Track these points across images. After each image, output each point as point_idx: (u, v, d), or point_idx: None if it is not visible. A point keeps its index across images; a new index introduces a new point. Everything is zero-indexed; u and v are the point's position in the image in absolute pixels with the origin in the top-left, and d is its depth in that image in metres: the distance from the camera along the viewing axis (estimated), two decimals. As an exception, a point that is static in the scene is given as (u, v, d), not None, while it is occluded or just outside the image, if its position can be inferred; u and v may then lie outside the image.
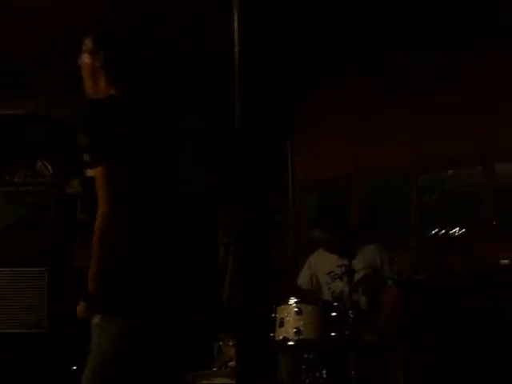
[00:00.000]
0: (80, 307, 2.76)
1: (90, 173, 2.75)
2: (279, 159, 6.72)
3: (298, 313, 4.14)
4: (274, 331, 4.19)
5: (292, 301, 4.19)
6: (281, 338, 4.14)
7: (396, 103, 5.81)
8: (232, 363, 4.30)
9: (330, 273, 4.67)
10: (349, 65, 5.87)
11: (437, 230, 2.88)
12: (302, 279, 4.93)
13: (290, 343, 4.11)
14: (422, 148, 5.68)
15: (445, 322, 4.77)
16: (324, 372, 4.21)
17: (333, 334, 4.15)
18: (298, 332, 4.09)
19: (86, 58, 3.01)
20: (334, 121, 6.29)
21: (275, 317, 4.21)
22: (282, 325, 4.16)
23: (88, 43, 3.01)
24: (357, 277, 4.37)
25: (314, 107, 6.43)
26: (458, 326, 4.45)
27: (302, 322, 4.12)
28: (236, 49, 2.42)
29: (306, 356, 4.25)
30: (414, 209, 5.86)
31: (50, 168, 5.20)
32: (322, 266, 4.83)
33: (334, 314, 4.20)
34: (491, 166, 5.41)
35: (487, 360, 4.43)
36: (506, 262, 4.23)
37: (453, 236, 3.70)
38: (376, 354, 4.45)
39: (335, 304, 4.27)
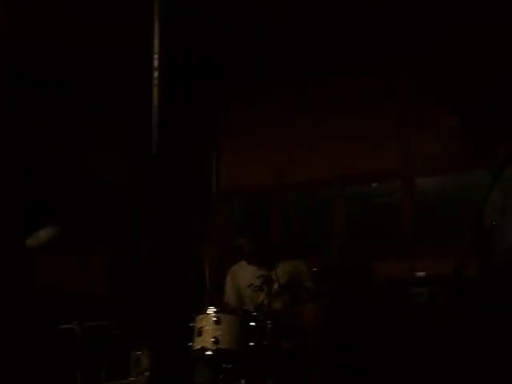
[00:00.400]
0: None
1: None
2: (204, 167, 6.73)
3: (217, 322, 4.13)
4: (192, 340, 4.18)
5: (211, 310, 4.18)
6: (199, 347, 4.13)
7: (320, 117, 5.87)
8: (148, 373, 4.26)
9: (250, 285, 4.69)
10: (275, 77, 5.92)
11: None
12: (229, 296, 4.93)
13: (208, 353, 4.11)
14: (345, 161, 5.75)
15: (366, 332, 4.84)
16: (242, 382, 4.21)
17: (251, 343, 4.17)
18: (217, 341, 4.09)
19: None
20: (260, 131, 6.32)
21: (194, 326, 4.21)
22: (200, 334, 4.15)
23: None
24: (276, 286, 4.40)
25: (240, 117, 6.45)
26: (378, 336, 4.53)
27: (220, 332, 4.11)
28: (155, 56, 2.40)
29: (224, 365, 4.25)
30: (336, 221, 5.93)
31: None
32: (243, 278, 4.84)
33: (252, 323, 4.22)
34: (412, 180, 5.52)
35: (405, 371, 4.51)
36: (421, 274, 4.32)
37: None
38: (295, 363, 4.50)
39: (254, 314, 4.29)
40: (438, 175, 5.48)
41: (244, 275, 4.83)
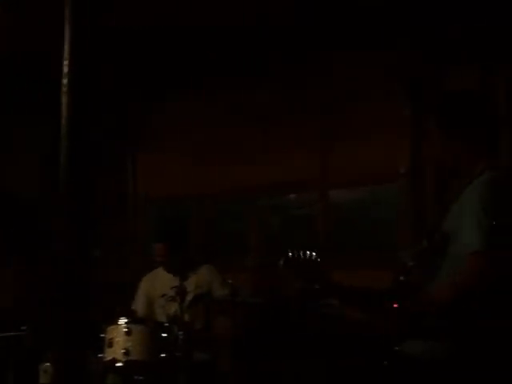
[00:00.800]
0: None
1: None
2: (122, 173, 6.64)
3: (128, 333, 4.08)
4: (103, 352, 4.11)
5: (122, 321, 4.12)
6: (109, 358, 4.07)
7: (240, 126, 5.88)
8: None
9: (163, 295, 4.66)
10: (199, 81, 5.90)
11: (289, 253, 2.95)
12: (138, 305, 4.87)
13: (119, 364, 4.05)
14: (262, 172, 5.77)
15: (277, 345, 4.87)
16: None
17: (163, 355, 4.13)
18: (127, 353, 4.03)
19: None
20: (179, 138, 6.28)
21: (104, 337, 4.14)
22: (110, 345, 4.09)
23: None
24: (189, 297, 4.38)
25: (159, 122, 6.40)
26: (291, 345, 4.55)
27: (131, 343, 4.06)
28: (65, 63, 2.35)
29: (135, 377, 4.20)
30: (253, 231, 5.95)
31: None
32: (155, 288, 4.81)
33: (164, 334, 4.18)
34: (326, 192, 5.59)
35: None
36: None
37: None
38: (208, 374, 4.48)
39: (166, 324, 4.26)
40: (353, 187, 5.56)
41: (158, 284, 4.79)
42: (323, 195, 5.60)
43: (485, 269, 2.43)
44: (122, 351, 4.03)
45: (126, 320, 4.13)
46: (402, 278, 2.70)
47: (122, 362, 4.03)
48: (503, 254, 2.45)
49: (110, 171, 6.50)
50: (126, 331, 4.08)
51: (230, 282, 4.58)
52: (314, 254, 2.86)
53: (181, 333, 4.10)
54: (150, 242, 4.93)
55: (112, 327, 4.14)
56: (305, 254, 2.89)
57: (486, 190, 2.55)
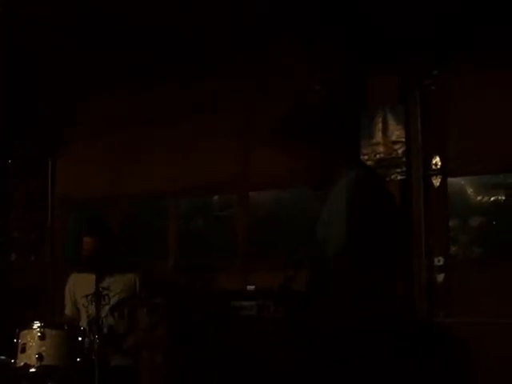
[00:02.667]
0: None
1: None
2: (40, 176, 6.52)
3: (42, 338, 3.97)
4: (15, 357, 4.00)
5: (35, 325, 4.02)
6: (22, 364, 3.96)
7: (159, 126, 5.84)
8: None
9: (87, 296, 4.58)
10: (113, 84, 5.84)
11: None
12: (66, 303, 4.81)
13: (32, 370, 3.94)
14: (181, 173, 5.75)
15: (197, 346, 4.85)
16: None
17: (78, 359, 4.05)
18: (41, 358, 3.93)
19: None
20: (96, 141, 6.20)
21: (18, 342, 4.02)
22: (23, 350, 3.99)
23: None
24: (113, 300, 4.32)
25: (76, 125, 6.31)
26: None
27: (44, 348, 3.96)
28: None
29: (49, 383, 4.09)
30: (172, 233, 5.91)
31: None
32: (80, 288, 4.73)
33: (80, 338, 4.09)
34: (246, 194, 5.60)
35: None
36: (252, 287, 4.38)
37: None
38: (125, 379, 4.42)
39: (82, 328, 4.18)
40: (274, 189, 5.58)
41: (82, 284, 4.70)
42: (243, 196, 5.60)
43: (348, 267, 2.50)
44: (36, 356, 3.93)
45: (39, 324, 4.02)
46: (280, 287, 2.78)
47: (36, 368, 3.93)
48: (365, 255, 2.51)
49: (28, 175, 6.40)
50: (39, 336, 3.98)
51: (151, 283, 4.55)
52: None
53: (96, 336, 4.02)
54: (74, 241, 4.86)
55: (25, 332, 4.03)
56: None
57: (346, 192, 2.60)
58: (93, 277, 4.57)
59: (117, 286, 4.55)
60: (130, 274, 4.69)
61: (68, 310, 4.77)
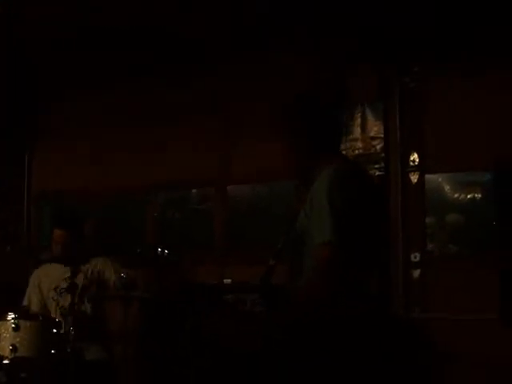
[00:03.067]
0: None
1: None
2: (16, 169, 6.47)
3: (16, 329, 3.93)
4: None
5: (10, 316, 3.98)
6: (-5, 355, 3.92)
7: (140, 124, 5.82)
8: None
9: (56, 288, 4.54)
10: (97, 81, 5.81)
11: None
12: (31, 299, 4.72)
13: (5, 361, 3.90)
14: (160, 167, 5.73)
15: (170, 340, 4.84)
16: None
17: (53, 351, 4.02)
18: (14, 349, 3.89)
19: None
20: (74, 134, 6.17)
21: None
22: (-3, 342, 3.94)
23: None
24: (82, 291, 4.29)
25: (54, 120, 6.27)
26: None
27: (19, 339, 3.92)
28: None
29: (22, 375, 4.05)
30: (150, 226, 5.89)
31: None
32: (47, 280, 4.68)
33: (55, 330, 4.06)
34: (224, 188, 5.59)
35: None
36: (228, 281, 4.36)
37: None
38: (100, 371, 4.39)
39: (58, 320, 4.14)
40: (252, 183, 5.58)
41: (50, 276, 4.65)
42: (221, 190, 5.60)
43: (330, 258, 2.48)
44: (9, 347, 3.89)
45: (13, 315, 3.98)
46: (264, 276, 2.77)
47: (9, 359, 3.89)
48: (348, 244, 2.51)
49: (4, 167, 6.35)
50: (13, 327, 3.94)
51: (123, 275, 4.50)
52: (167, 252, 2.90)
53: (72, 328, 3.99)
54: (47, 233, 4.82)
55: (-1, 323, 3.99)
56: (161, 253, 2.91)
57: (328, 184, 2.60)
58: (58, 268, 4.54)
59: (83, 275, 4.51)
60: (99, 262, 4.64)
61: (34, 306, 4.68)
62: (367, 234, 2.60)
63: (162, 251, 3.27)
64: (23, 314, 4.14)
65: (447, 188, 5.04)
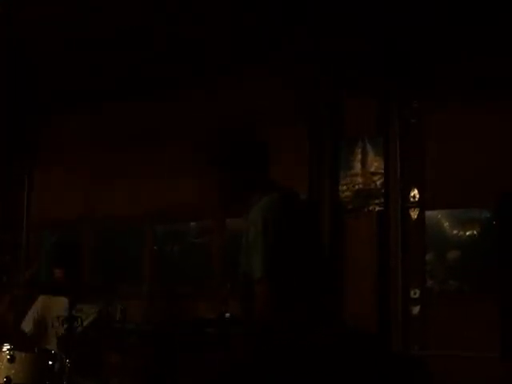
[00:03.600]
0: None
1: None
2: (16, 195, 6.47)
3: (11, 360, 3.89)
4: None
5: (5, 347, 3.93)
6: (-11, 387, 3.87)
7: (135, 150, 5.85)
8: None
9: (58, 317, 4.51)
10: (89, 107, 5.84)
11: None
12: (27, 323, 4.72)
13: (0, 393, 3.86)
14: (157, 198, 5.72)
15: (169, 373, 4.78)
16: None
17: (48, 383, 3.97)
18: (9, 381, 3.84)
19: None
20: (72, 164, 6.18)
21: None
22: (-9, 373, 3.90)
23: None
24: (86, 323, 4.26)
25: (55, 143, 6.29)
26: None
27: (13, 371, 3.87)
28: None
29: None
30: (148, 258, 5.86)
31: None
32: (50, 309, 4.67)
33: (51, 362, 4.02)
34: (222, 220, 5.57)
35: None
36: (228, 315, 4.34)
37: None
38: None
39: (53, 352, 4.10)
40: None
41: (53, 305, 4.64)
42: (220, 223, 5.58)
43: (266, 294, 2.52)
44: (4, 380, 3.84)
45: (9, 346, 3.94)
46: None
47: (3, 391, 3.84)
48: (284, 276, 2.54)
49: (4, 193, 6.35)
50: (8, 358, 3.89)
51: (121, 307, 4.49)
52: None
53: (68, 361, 3.95)
54: (47, 267, 4.81)
55: (-6, 354, 3.94)
56: None
57: (260, 219, 2.62)
58: (64, 299, 4.53)
59: (89, 308, 4.48)
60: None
61: (28, 329, 4.70)
62: (299, 263, 2.62)
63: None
64: (18, 345, 4.09)
65: (446, 224, 5.03)
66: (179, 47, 5.06)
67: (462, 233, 4.98)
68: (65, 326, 4.27)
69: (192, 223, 6.00)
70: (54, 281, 4.69)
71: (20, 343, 4.21)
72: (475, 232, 4.93)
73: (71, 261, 4.65)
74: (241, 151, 2.86)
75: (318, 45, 4.89)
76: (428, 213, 4.89)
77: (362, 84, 4.90)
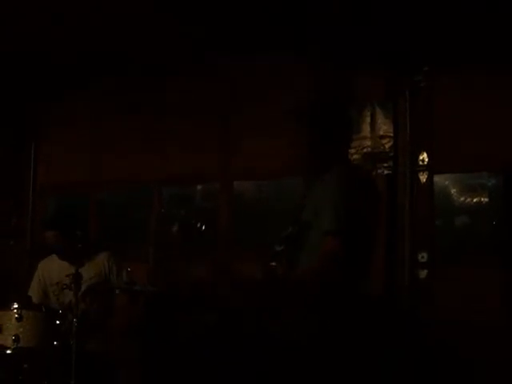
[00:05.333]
0: None
1: None
2: (21, 160, 6.46)
3: (19, 319, 3.92)
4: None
5: (13, 306, 3.95)
6: (-2, 345, 3.90)
7: (140, 117, 5.83)
8: None
9: (58, 283, 4.53)
10: (99, 74, 5.80)
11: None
12: (34, 290, 4.72)
13: (8, 351, 3.88)
14: (165, 162, 5.71)
15: (173, 335, 4.82)
16: (45, 383, 4.02)
17: (55, 342, 4.00)
18: (17, 339, 3.87)
19: None
20: (80, 127, 6.16)
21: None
22: (0, 331, 3.92)
23: None
24: (85, 286, 4.26)
25: (60, 111, 6.26)
26: (185, 337, 4.51)
27: (22, 329, 3.90)
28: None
29: (25, 366, 4.02)
30: (154, 220, 5.86)
31: None
32: (50, 275, 4.68)
33: (58, 322, 4.04)
34: (230, 183, 5.56)
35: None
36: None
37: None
38: (101, 364, 4.37)
39: (60, 312, 4.12)
40: (258, 179, 5.55)
41: (53, 271, 4.66)
42: (227, 186, 5.56)
43: (336, 247, 2.64)
44: (12, 338, 3.87)
45: (17, 305, 3.96)
46: (272, 263, 2.88)
47: (12, 349, 3.87)
48: (353, 235, 2.67)
49: (10, 160, 6.34)
50: (17, 317, 3.92)
51: (128, 269, 4.50)
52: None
53: (75, 320, 3.96)
54: (43, 228, 4.79)
55: (2, 313, 3.96)
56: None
57: (338, 182, 2.80)
58: (62, 264, 4.53)
59: (88, 272, 4.48)
60: (101, 258, 4.63)
61: (35, 298, 4.65)
62: (363, 233, 2.78)
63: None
64: (26, 304, 4.12)
65: (454, 191, 5.01)
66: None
67: (469, 199, 4.96)
68: (66, 291, 4.30)
69: (199, 186, 5.98)
70: (44, 245, 4.65)
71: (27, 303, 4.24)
72: (483, 199, 4.91)
73: (64, 224, 4.58)
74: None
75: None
76: (435, 179, 4.87)
77: (371, 48, 4.85)
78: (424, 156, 4.80)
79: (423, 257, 4.71)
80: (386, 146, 4.84)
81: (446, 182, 5.03)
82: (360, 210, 2.74)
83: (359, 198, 2.78)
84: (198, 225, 3.08)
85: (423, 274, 4.69)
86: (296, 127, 3.01)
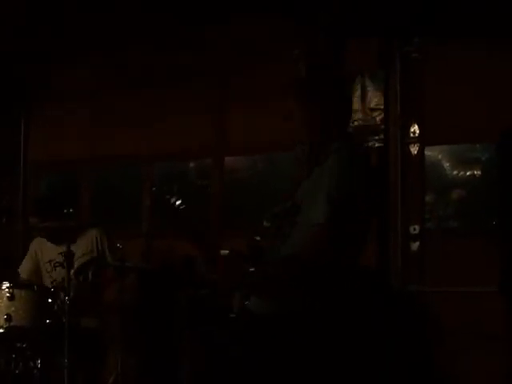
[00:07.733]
0: None
1: None
2: (11, 138, 6.40)
3: (10, 298, 3.92)
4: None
5: (4, 285, 3.95)
6: (-12, 325, 3.90)
7: (133, 91, 5.74)
8: None
9: (50, 261, 4.52)
10: (90, 49, 5.74)
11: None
12: (24, 267, 4.71)
13: (0, 331, 3.90)
14: (155, 138, 5.67)
15: (165, 311, 4.83)
16: (38, 361, 4.03)
17: (48, 321, 4.00)
18: (9, 319, 3.88)
19: None
20: (71, 104, 6.09)
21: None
22: (-9, 311, 3.92)
23: None
24: (77, 263, 4.25)
25: (52, 88, 6.19)
26: (176, 314, 4.51)
27: (13, 308, 3.91)
28: None
29: (18, 345, 4.03)
30: (146, 198, 5.83)
31: None
32: (43, 253, 4.67)
33: (50, 300, 4.04)
34: (221, 159, 5.53)
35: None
36: (225, 252, 4.33)
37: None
38: (94, 341, 4.38)
39: (52, 290, 4.12)
40: (249, 154, 5.52)
41: (46, 248, 4.65)
42: (219, 162, 5.54)
43: (323, 240, 2.54)
44: (4, 317, 3.88)
45: (8, 284, 3.96)
46: (257, 237, 2.79)
47: (4, 328, 3.88)
48: (343, 227, 2.56)
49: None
50: (8, 296, 3.92)
51: (119, 246, 4.48)
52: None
53: (67, 298, 3.96)
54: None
55: (-7, 292, 3.96)
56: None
57: (336, 167, 2.64)
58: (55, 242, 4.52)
59: (80, 249, 4.47)
60: (93, 234, 4.62)
61: (25, 274, 4.67)
62: (361, 218, 2.65)
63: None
64: (18, 283, 4.12)
65: (447, 164, 5.00)
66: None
67: (462, 173, 4.95)
68: (58, 269, 4.30)
69: (192, 163, 5.95)
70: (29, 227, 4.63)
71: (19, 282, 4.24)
72: (476, 172, 4.90)
73: (54, 205, 4.54)
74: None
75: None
76: (428, 153, 4.85)
77: (361, 19, 4.80)
78: (415, 128, 4.78)
79: (415, 229, 4.71)
80: (377, 119, 4.82)
81: (440, 156, 5.02)
82: (357, 194, 2.61)
83: (358, 180, 2.64)
84: (173, 200, 2.95)
85: (415, 246, 4.69)
86: (295, 100, 2.83)
